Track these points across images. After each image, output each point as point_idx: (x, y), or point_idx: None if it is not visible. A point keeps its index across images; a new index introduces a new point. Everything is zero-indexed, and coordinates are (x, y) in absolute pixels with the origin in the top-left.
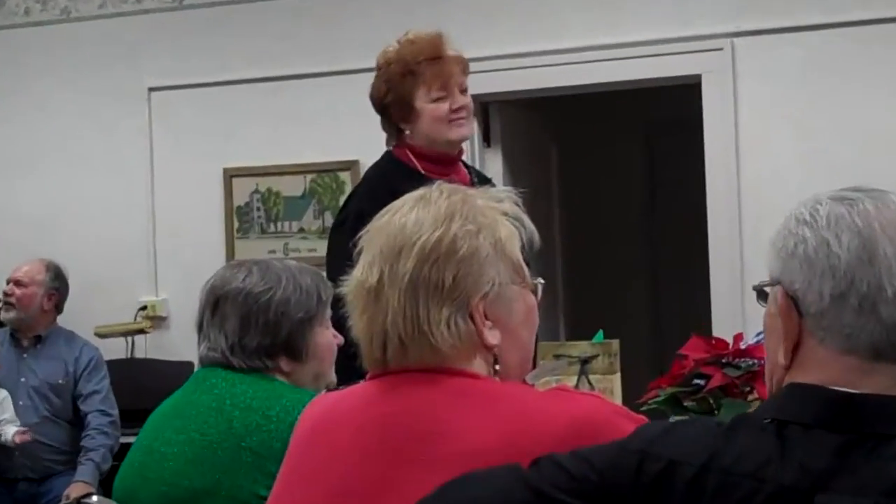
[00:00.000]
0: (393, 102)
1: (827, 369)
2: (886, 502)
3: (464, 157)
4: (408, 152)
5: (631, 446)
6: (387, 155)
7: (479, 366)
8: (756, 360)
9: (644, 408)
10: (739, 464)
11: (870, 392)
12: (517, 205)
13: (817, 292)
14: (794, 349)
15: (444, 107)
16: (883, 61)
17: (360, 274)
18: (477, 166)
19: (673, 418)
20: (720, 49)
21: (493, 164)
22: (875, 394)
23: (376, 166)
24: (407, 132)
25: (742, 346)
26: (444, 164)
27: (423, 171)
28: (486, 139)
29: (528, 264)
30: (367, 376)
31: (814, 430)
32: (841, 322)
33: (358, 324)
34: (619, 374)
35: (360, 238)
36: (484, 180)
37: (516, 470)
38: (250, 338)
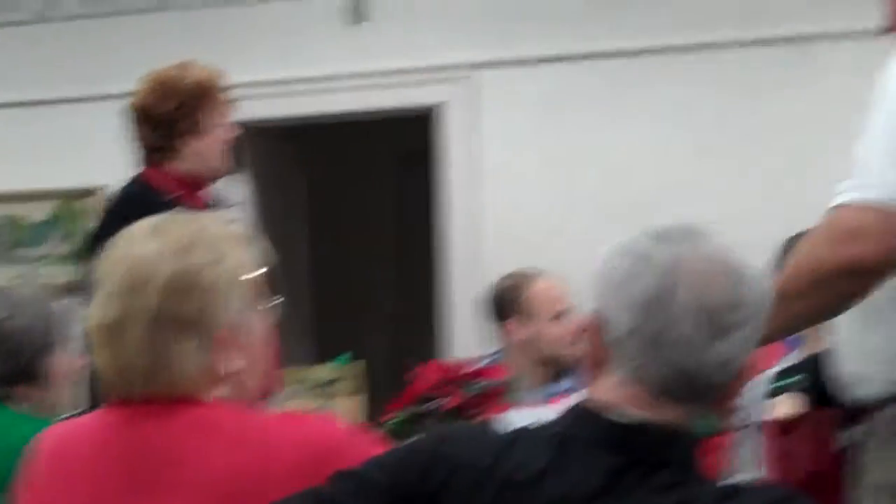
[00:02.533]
0: (183, 116)
1: (616, 394)
2: None
3: None
4: (159, 174)
5: (420, 447)
6: (136, 178)
7: (221, 393)
8: (490, 381)
9: (384, 427)
10: (519, 471)
11: (650, 421)
12: (245, 226)
13: (616, 321)
14: (598, 366)
15: (229, 133)
16: (624, 93)
17: (99, 309)
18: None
19: (413, 438)
20: (466, 77)
21: (240, 195)
22: (652, 421)
23: (124, 190)
24: (178, 149)
25: (479, 366)
26: (196, 188)
27: (172, 194)
28: None
29: (273, 283)
30: (106, 405)
31: (592, 449)
32: (632, 354)
33: (100, 358)
34: (362, 396)
35: (92, 269)
36: (220, 202)
37: (312, 491)
38: None
